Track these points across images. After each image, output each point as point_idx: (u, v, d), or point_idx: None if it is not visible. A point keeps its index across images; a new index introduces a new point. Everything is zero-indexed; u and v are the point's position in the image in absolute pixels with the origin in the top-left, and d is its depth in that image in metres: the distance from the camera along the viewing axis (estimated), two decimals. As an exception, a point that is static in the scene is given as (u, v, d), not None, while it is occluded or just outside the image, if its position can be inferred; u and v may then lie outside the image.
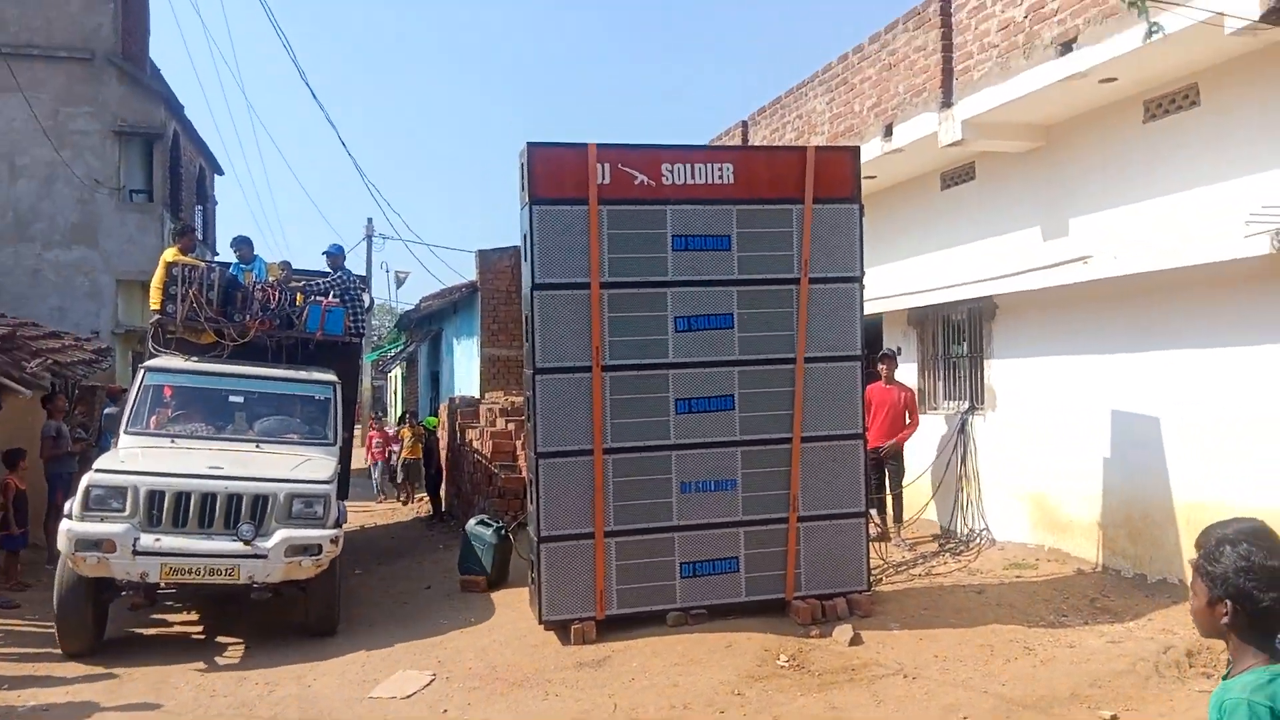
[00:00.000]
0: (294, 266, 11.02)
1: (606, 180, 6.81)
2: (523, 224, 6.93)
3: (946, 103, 8.46)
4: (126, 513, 6.91)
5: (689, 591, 6.96)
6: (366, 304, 11.11)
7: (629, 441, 6.89)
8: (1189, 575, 2.15)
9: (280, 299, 9.30)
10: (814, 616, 6.96)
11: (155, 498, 7.01)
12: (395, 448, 18.82)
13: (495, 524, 9.32)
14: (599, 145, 6.83)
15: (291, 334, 9.35)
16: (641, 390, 6.92)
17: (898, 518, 9.50)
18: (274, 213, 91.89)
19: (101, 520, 6.86)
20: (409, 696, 6.08)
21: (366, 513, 15.64)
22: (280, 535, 7.05)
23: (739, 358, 7.06)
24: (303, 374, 9.02)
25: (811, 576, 7.17)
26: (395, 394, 30.72)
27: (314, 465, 7.79)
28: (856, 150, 7.69)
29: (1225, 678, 2.06)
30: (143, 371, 8.64)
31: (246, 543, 6.97)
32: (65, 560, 6.90)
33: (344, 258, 10.95)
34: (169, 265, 8.99)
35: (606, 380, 6.83)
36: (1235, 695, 1.93)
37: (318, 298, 9.89)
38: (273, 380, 8.86)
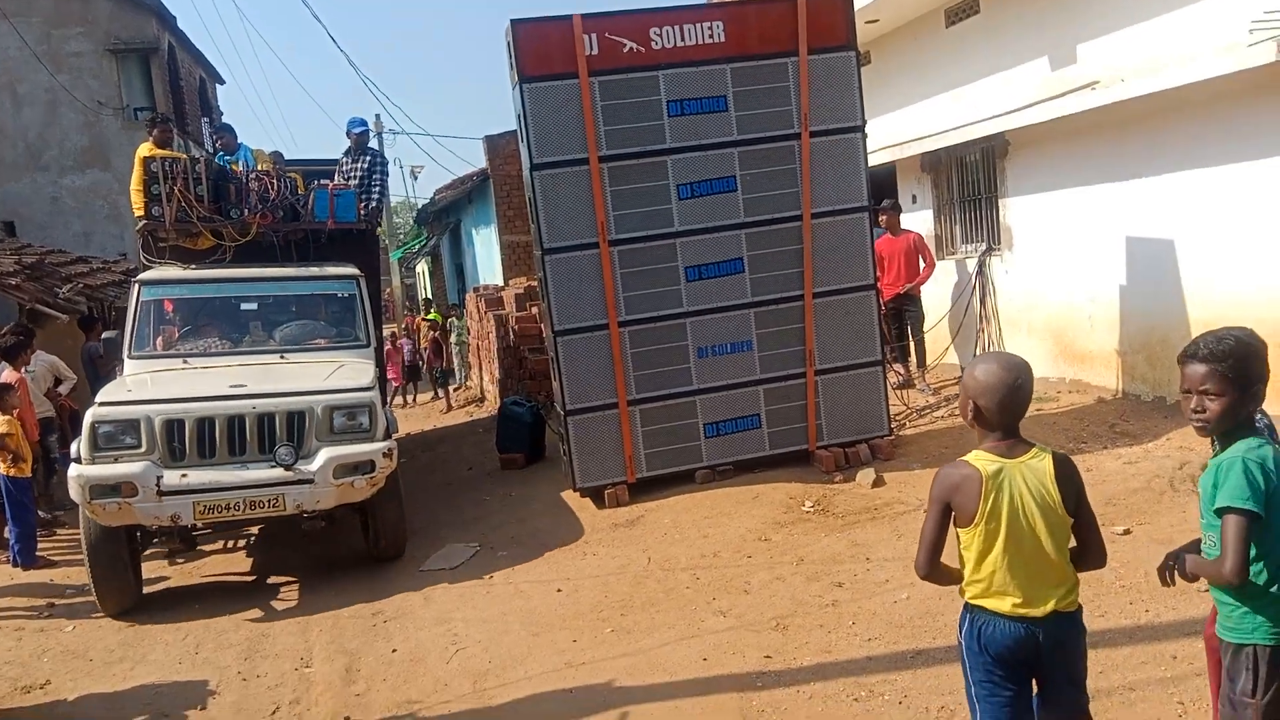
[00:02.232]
0: (295, 158, 10.31)
1: (595, 51, 6.72)
2: (515, 104, 6.89)
3: (943, -67, 8.15)
4: (143, 449, 5.95)
5: (714, 450, 7.21)
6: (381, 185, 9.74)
7: (642, 313, 7.02)
8: None
9: (280, 188, 8.19)
10: (837, 464, 7.20)
11: (174, 427, 6.02)
12: (406, 345, 18.79)
13: (529, 403, 9.62)
14: (584, 15, 6.71)
15: (300, 226, 8.24)
16: (650, 261, 6.99)
17: (920, 363, 9.64)
18: (280, 119, 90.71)
19: (115, 460, 5.91)
20: (455, 567, 6.46)
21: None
22: (325, 455, 6.12)
23: (745, 220, 7.09)
24: (319, 270, 8.02)
25: (833, 426, 7.38)
26: (424, 289, 31.00)
27: (350, 371, 6.87)
28: (850, -6, 7.46)
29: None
30: (137, 286, 7.49)
31: (287, 468, 6.07)
32: (84, 511, 5.98)
33: (369, 134, 9.94)
34: (146, 161, 7.80)
35: (614, 254, 6.91)
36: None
37: (323, 181, 8.86)
38: (287, 280, 7.85)
